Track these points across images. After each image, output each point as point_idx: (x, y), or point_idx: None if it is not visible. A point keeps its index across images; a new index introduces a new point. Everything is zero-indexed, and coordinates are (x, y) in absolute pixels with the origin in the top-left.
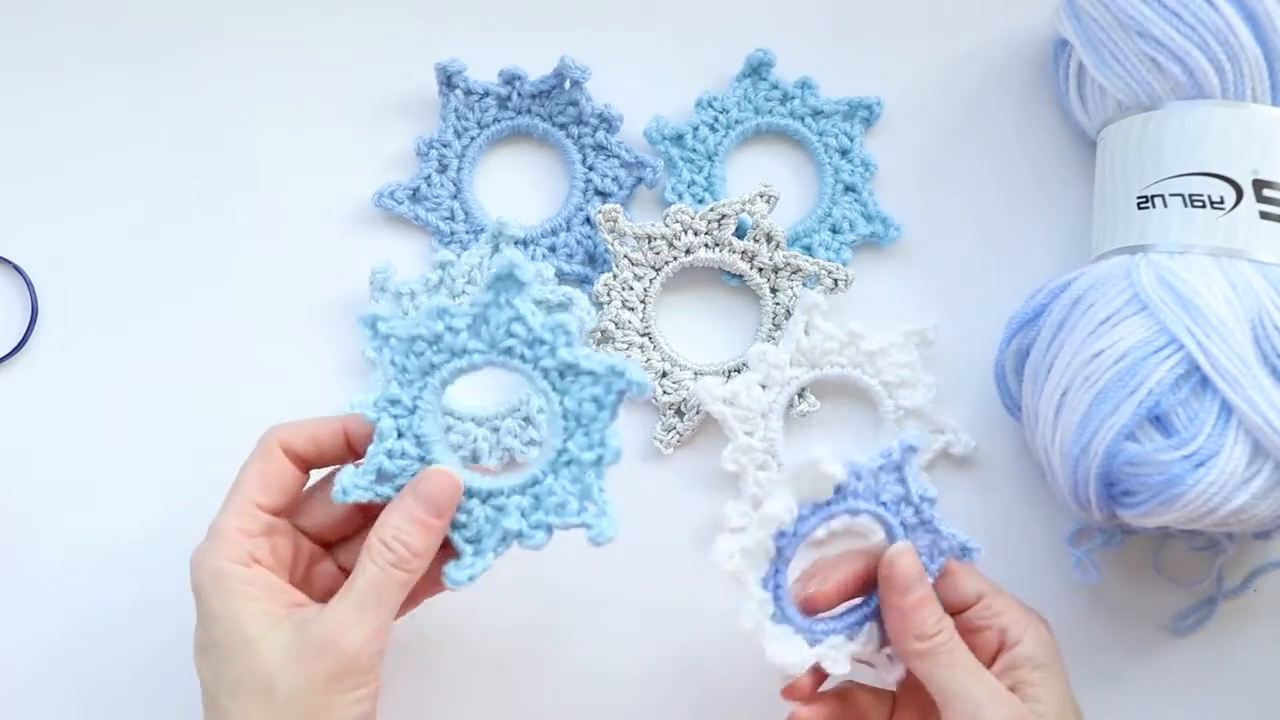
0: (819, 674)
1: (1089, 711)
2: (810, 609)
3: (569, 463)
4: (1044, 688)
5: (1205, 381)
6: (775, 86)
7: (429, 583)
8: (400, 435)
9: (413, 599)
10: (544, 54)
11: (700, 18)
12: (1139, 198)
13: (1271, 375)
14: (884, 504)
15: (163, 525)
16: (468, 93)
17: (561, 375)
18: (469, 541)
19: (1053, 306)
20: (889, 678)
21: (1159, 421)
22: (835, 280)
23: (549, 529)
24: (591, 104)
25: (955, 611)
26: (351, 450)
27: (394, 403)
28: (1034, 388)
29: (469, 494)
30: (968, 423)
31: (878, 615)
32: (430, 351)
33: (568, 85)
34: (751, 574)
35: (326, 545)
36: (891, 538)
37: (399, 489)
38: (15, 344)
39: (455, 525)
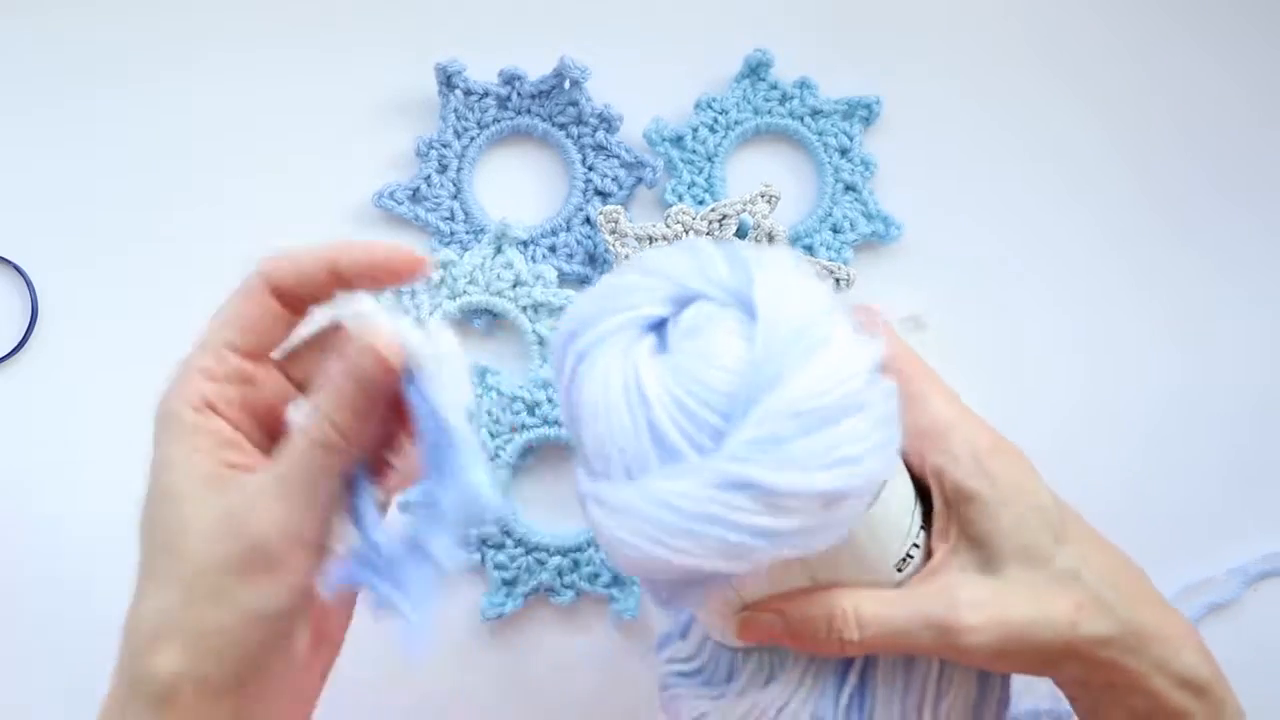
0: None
1: None
2: None
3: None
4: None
5: None
6: (774, 87)
7: (343, 617)
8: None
9: (329, 637)
10: (544, 54)
11: (700, 18)
12: None
13: None
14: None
15: None
16: (468, 93)
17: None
18: (505, 583)
19: None
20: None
21: None
22: (837, 279)
23: (578, 593)
24: (591, 104)
25: None
26: (335, 284)
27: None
28: None
29: (517, 542)
30: None
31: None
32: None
33: (567, 85)
34: None
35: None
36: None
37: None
38: (15, 344)
39: (497, 565)
